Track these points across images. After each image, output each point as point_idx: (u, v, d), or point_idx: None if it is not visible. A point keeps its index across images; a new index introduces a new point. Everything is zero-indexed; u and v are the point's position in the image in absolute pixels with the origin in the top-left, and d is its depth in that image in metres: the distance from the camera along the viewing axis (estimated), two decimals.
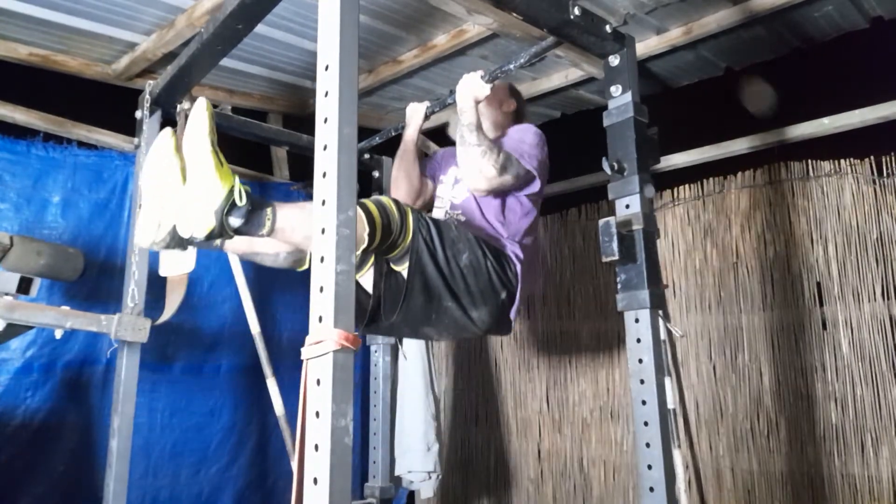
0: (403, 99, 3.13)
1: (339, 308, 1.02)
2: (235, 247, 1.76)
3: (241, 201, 1.36)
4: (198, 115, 1.40)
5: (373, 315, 1.73)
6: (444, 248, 1.68)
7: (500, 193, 1.99)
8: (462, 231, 1.77)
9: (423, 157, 2.38)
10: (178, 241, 1.44)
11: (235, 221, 1.37)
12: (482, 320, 1.78)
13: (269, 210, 1.41)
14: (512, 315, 1.88)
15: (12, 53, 2.47)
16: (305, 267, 1.79)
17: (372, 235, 1.51)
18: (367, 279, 1.79)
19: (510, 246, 1.92)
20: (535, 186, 2.04)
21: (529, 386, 3.32)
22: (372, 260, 1.74)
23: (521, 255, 1.90)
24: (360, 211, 1.48)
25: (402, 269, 1.68)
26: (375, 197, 1.62)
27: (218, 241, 1.57)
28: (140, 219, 1.46)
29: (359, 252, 1.52)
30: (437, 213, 2.11)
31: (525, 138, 2.04)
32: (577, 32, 1.73)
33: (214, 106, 2.43)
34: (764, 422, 2.58)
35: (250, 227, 1.39)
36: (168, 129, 1.49)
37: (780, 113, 2.81)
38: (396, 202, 1.62)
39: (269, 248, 1.76)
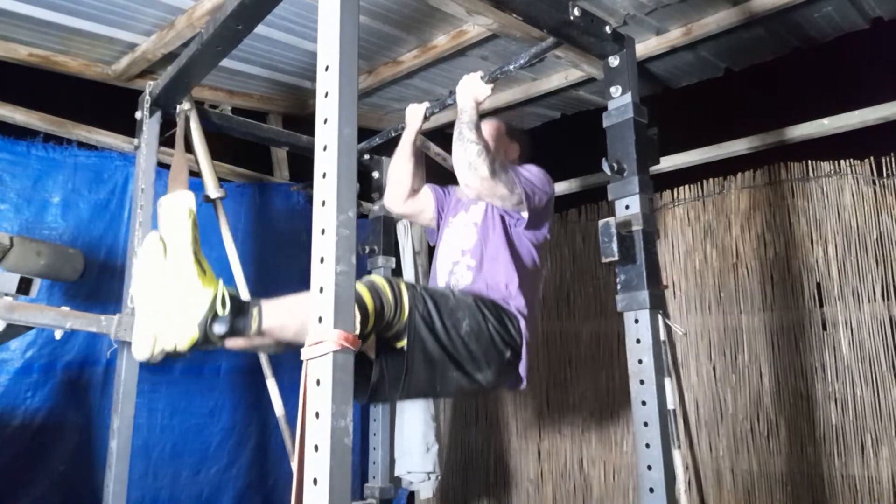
0: (403, 100, 3.13)
1: (339, 309, 1.01)
2: (234, 344, 1.66)
3: (224, 311, 1.37)
4: (181, 224, 1.40)
5: (374, 390, 1.72)
6: (443, 319, 1.66)
7: (508, 243, 1.94)
8: (460, 298, 1.75)
9: (422, 157, 2.37)
10: (174, 353, 1.43)
11: (219, 329, 1.37)
12: (487, 380, 1.76)
13: (254, 312, 1.42)
14: (522, 371, 1.85)
15: (12, 54, 2.47)
16: None
17: (364, 323, 1.50)
18: (369, 350, 1.77)
19: (514, 300, 1.87)
20: (544, 230, 2.01)
21: (529, 386, 3.31)
22: (373, 337, 1.71)
23: (524, 309, 1.86)
24: None
25: (402, 344, 1.66)
26: (368, 279, 1.60)
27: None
28: (135, 331, 1.44)
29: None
30: (446, 256, 2.07)
31: (530, 169, 1.99)
32: (577, 33, 1.74)
33: (213, 107, 2.46)
34: (764, 422, 2.58)
35: (235, 332, 1.40)
36: (155, 235, 1.47)
37: (779, 113, 2.81)
38: (390, 282, 1.61)
39: (266, 342, 1.68)
